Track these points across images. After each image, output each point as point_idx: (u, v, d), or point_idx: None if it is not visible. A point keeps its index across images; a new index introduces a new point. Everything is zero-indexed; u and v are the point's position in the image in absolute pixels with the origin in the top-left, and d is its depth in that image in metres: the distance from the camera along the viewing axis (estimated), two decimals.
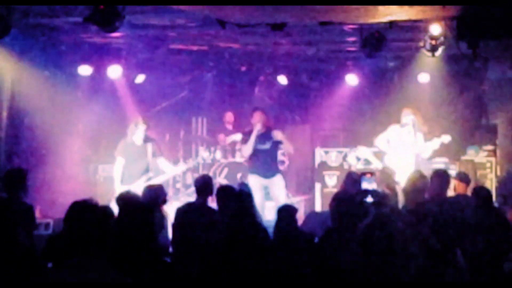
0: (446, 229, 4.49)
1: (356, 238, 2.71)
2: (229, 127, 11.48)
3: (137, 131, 8.05)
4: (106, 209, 3.10)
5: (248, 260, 3.80)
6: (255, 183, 8.46)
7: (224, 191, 5.91)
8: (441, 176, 6.23)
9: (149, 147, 8.10)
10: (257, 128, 8.50)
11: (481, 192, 6.00)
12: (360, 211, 4.74)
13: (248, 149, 8.62)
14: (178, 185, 11.02)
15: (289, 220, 5.37)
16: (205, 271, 3.58)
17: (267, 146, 8.60)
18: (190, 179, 10.84)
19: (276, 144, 8.70)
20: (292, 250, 4.45)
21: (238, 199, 5.45)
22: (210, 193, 6.20)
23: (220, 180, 10.46)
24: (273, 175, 8.65)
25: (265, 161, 8.61)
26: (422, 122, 8.76)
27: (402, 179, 8.06)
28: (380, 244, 2.66)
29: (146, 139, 8.11)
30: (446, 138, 8.77)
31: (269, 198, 8.76)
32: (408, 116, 8.71)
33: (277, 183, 8.62)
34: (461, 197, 6.90)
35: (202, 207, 6.03)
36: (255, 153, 8.59)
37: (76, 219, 2.99)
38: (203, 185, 6.20)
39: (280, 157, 11.75)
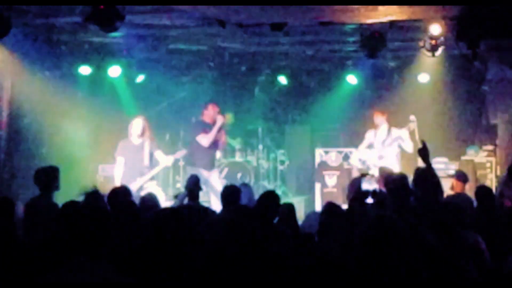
0: (446, 228, 4.49)
1: (356, 239, 2.71)
2: (227, 128, 11.48)
3: (134, 128, 8.10)
4: (102, 209, 3.09)
5: (247, 260, 3.80)
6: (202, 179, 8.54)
7: (230, 190, 5.89)
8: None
9: (147, 145, 8.14)
10: (221, 119, 8.73)
11: (483, 192, 5.99)
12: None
13: (210, 138, 8.68)
14: (178, 185, 11.02)
15: (288, 218, 5.37)
16: (208, 271, 3.58)
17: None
18: None
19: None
20: (291, 249, 4.45)
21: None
22: (198, 193, 6.27)
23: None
24: (214, 167, 9.03)
25: (212, 152, 8.92)
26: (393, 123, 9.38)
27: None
28: (380, 245, 2.66)
29: (142, 135, 8.15)
30: (412, 125, 9.13)
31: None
32: (380, 118, 9.34)
33: (216, 176, 9.03)
34: (460, 195, 6.92)
35: (196, 207, 6.03)
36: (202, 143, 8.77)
37: (71, 219, 2.99)
38: (195, 186, 6.23)
39: (280, 157, 11.78)
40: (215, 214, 5.92)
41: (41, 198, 5.62)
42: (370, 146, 9.48)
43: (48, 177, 5.75)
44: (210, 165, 8.83)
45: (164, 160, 8.25)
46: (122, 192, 5.58)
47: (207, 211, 5.99)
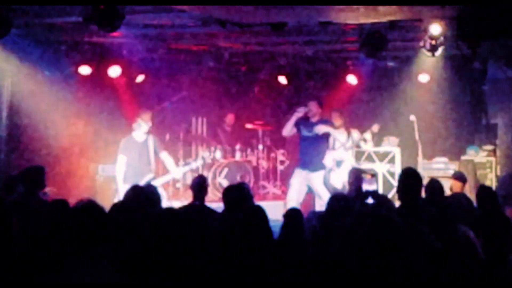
0: (445, 228, 4.49)
1: (356, 239, 2.71)
2: (228, 128, 11.51)
3: (141, 128, 8.01)
4: (103, 210, 3.10)
5: (250, 259, 3.80)
6: (296, 177, 8.58)
7: (232, 190, 5.86)
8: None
9: (151, 143, 8.06)
10: (300, 110, 8.55)
11: (484, 192, 5.98)
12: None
13: (286, 128, 8.73)
14: (178, 185, 11.02)
15: (295, 225, 5.34)
16: (211, 270, 3.58)
17: (311, 134, 8.56)
18: (190, 179, 10.82)
19: (323, 136, 8.59)
20: (295, 255, 4.44)
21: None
22: (206, 193, 6.19)
23: (220, 180, 10.47)
24: (314, 169, 8.51)
25: (307, 150, 8.58)
26: (345, 121, 9.49)
27: (341, 176, 8.65)
28: (380, 245, 2.66)
29: (147, 135, 8.08)
30: (375, 127, 9.24)
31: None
32: (338, 120, 9.32)
33: (318, 179, 8.47)
34: (458, 196, 6.92)
35: (202, 208, 6.00)
36: (301, 140, 8.69)
37: (72, 220, 2.99)
38: (200, 186, 6.18)
39: (280, 157, 11.78)
40: (219, 214, 5.86)
41: (27, 196, 5.65)
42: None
43: (36, 175, 5.82)
44: (312, 166, 8.51)
45: (175, 170, 8.12)
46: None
47: (212, 212, 5.93)
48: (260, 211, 4.14)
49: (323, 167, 8.62)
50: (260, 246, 3.84)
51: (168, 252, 3.38)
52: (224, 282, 3.59)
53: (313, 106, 8.61)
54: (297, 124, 8.67)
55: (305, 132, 8.63)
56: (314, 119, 8.61)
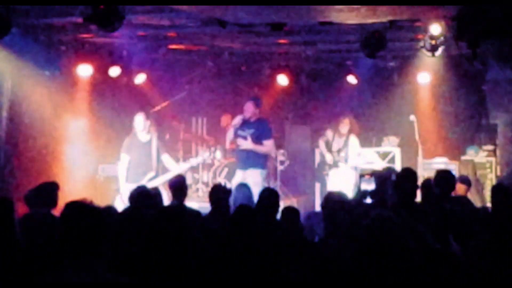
0: (446, 229, 4.50)
1: (356, 239, 2.71)
2: (224, 129, 11.52)
3: (137, 124, 8.05)
4: (101, 209, 3.10)
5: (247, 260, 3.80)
6: (235, 178, 8.45)
7: (218, 190, 5.88)
8: (445, 177, 6.18)
9: (154, 143, 8.08)
10: (236, 122, 8.55)
11: (501, 190, 5.95)
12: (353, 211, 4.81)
13: (227, 141, 8.85)
14: None
15: (292, 222, 5.38)
16: (201, 271, 3.59)
17: (245, 133, 8.51)
18: (190, 179, 10.84)
19: (258, 135, 8.50)
20: (293, 252, 4.46)
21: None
22: (185, 193, 6.18)
23: (220, 180, 10.46)
24: (248, 167, 8.40)
25: (242, 149, 8.54)
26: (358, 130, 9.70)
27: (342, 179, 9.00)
28: (380, 245, 2.66)
29: (151, 135, 8.08)
30: (343, 126, 9.58)
31: None
32: (345, 126, 9.57)
33: (251, 177, 8.22)
34: (461, 198, 6.90)
35: (182, 208, 5.98)
36: (237, 139, 8.60)
37: (70, 220, 2.99)
38: (179, 186, 6.16)
39: (280, 157, 11.78)
40: (202, 214, 5.83)
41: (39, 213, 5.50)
42: (328, 143, 9.72)
43: (48, 193, 5.66)
44: (246, 165, 8.40)
45: (176, 168, 8.12)
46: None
47: (192, 211, 5.92)
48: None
49: (259, 165, 8.44)
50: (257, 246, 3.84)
51: (164, 251, 3.38)
52: (219, 280, 3.59)
53: (249, 107, 8.58)
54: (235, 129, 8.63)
55: (240, 132, 8.56)
56: (252, 119, 8.58)
